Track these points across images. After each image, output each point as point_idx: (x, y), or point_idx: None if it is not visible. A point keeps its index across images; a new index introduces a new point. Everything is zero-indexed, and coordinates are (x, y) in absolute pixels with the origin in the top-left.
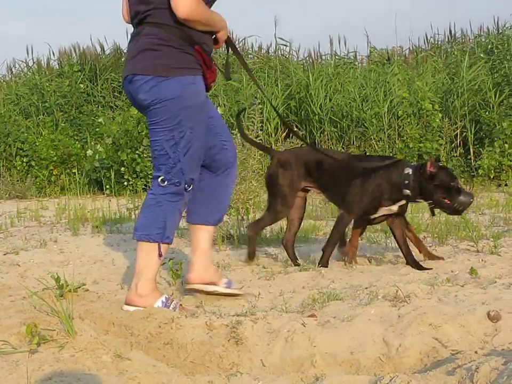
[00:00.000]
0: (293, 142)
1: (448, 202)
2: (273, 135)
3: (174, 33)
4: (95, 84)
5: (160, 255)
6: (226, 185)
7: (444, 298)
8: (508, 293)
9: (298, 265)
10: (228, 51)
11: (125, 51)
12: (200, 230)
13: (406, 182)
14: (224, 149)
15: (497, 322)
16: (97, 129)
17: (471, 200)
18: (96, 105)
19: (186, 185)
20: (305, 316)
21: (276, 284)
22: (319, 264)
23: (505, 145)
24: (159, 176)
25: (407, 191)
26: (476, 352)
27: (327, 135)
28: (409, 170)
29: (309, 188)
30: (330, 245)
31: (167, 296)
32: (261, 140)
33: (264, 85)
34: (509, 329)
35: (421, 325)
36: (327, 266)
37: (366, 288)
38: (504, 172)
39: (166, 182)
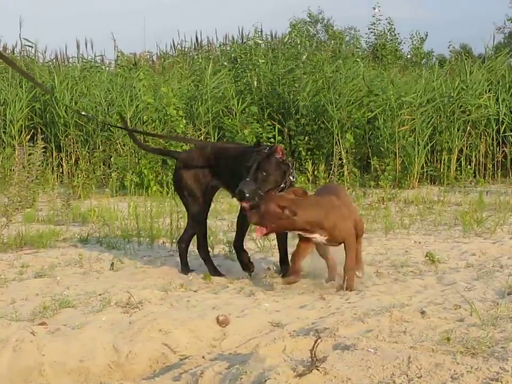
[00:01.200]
0: (31, 146)
1: None
2: (16, 138)
3: None
4: None
5: None
6: None
7: (176, 304)
8: (238, 297)
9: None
10: None
11: None
12: None
13: None
14: None
15: (226, 326)
16: None
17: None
18: None
19: None
20: (36, 324)
21: (9, 291)
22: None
23: None
24: None
25: None
26: (203, 357)
27: (72, 139)
28: None
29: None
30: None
31: None
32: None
33: (8, 86)
34: (237, 333)
35: (151, 331)
36: None
37: (100, 294)
38: None
39: None
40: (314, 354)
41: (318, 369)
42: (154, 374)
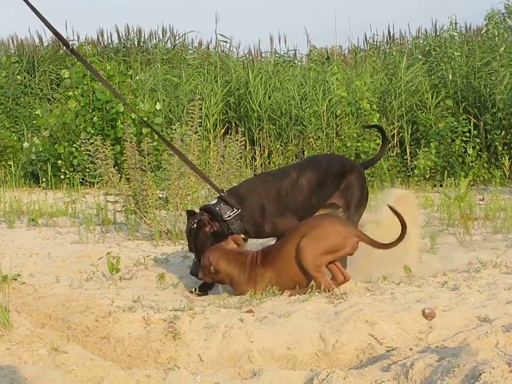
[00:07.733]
0: (231, 139)
1: None
2: (211, 131)
3: None
4: (32, 76)
5: None
6: None
7: (380, 296)
8: (442, 291)
9: None
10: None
11: None
12: None
13: None
14: None
15: (432, 319)
16: (34, 122)
17: None
18: (34, 97)
19: None
20: (243, 312)
21: None
22: None
23: (441, 146)
24: None
25: None
26: (410, 349)
27: (266, 133)
28: None
29: None
30: None
31: None
32: (199, 136)
33: (204, 81)
34: (443, 327)
35: (357, 321)
36: None
37: None
38: (439, 172)
39: None
40: None
41: None
42: (362, 364)
